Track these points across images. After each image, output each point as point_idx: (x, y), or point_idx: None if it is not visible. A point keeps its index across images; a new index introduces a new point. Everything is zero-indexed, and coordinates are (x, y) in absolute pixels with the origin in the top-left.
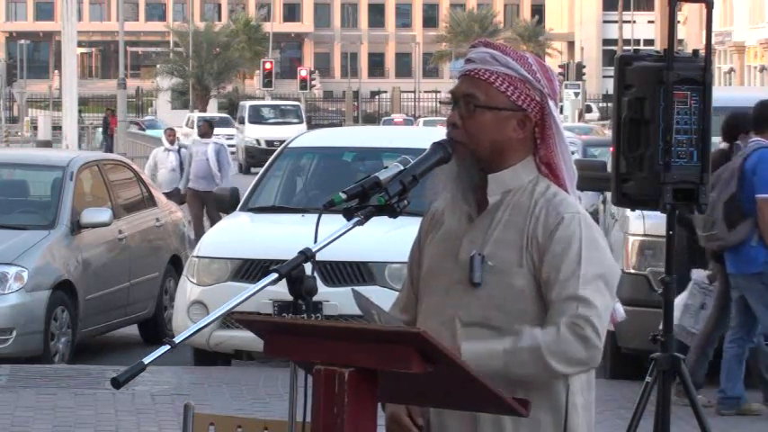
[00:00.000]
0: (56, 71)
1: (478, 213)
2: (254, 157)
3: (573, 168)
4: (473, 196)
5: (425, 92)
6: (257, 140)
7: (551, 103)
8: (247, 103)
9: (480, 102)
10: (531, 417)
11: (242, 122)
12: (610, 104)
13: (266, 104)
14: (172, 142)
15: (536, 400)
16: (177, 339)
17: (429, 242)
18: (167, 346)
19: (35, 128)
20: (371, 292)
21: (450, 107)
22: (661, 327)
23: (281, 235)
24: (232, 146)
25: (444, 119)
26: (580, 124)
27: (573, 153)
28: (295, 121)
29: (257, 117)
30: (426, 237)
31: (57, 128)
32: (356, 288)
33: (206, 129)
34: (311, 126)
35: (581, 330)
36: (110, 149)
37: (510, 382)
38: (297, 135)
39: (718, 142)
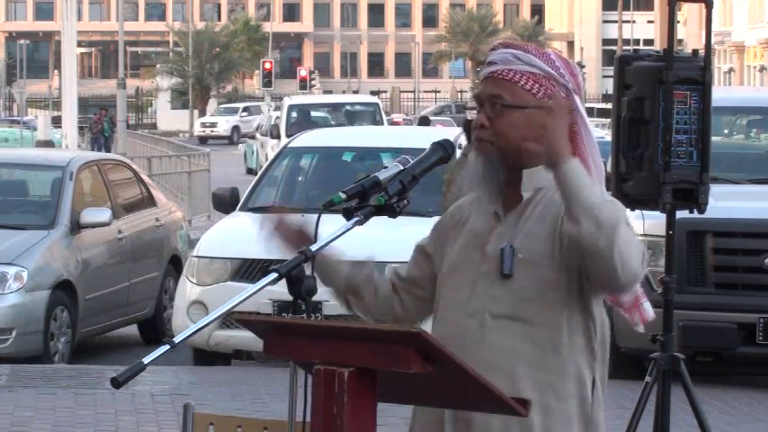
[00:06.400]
0: (55, 71)
1: (505, 211)
2: None
3: (600, 165)
4: (499, 195)
5: (425, 92)
6: None
7: (577, 99)
8: (287, 102)
9: (507, 101)
10: (563, 408)
11: (275, 136)
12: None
13: (321, 103)
14: None
15: (566, 389)
16: (177, 339)
17: (453, 239)
18: (167, 346)
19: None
20: None
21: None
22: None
23: None
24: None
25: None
26: None
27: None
28: None
29: (305, 124)
30: (447, 233)
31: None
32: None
33: None
34: None
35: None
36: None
37: (547, 368)
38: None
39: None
